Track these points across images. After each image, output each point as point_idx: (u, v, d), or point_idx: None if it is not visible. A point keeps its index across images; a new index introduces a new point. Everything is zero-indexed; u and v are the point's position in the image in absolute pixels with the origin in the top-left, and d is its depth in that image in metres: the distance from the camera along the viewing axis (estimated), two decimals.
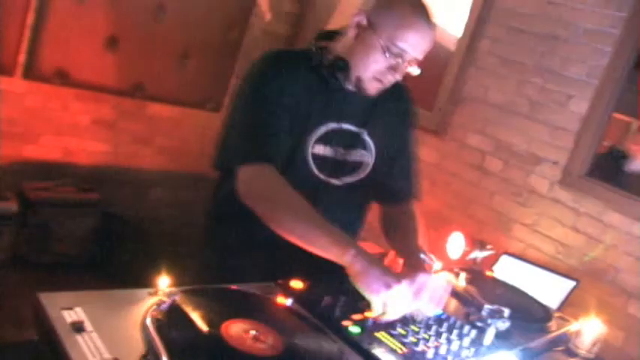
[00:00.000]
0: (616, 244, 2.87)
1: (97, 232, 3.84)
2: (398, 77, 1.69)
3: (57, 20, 3.57)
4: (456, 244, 2.54)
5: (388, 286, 1.40)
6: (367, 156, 1.83)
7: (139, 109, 4.17)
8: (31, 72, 3.61)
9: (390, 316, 1.43)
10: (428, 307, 1.47)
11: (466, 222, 3.38)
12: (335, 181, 1.79)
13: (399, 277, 1.43)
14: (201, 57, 4.19)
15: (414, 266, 1.59)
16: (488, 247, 2.45)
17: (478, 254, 2.34)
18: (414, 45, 1.64)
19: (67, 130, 3.90)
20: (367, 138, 1.81)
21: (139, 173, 4.26)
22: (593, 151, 3.02)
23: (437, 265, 1.87)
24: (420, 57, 1.68)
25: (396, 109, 1.88)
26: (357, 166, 1.82)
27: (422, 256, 1.66)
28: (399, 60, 1.64)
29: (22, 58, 3.56)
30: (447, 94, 3.55)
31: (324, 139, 1.73)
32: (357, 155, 1.81)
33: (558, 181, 3.09)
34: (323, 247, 1.49)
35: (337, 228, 1.52)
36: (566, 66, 3.12)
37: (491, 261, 2.96)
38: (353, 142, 1.79)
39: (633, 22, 2.89)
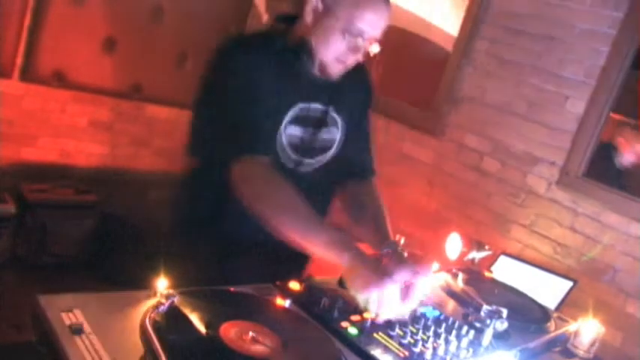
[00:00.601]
0: (614, 244, 2.88)
1: (95, 234, 3.84)
2: (359, 57, 1.71)
3: (54, 22, 3.57)
4: (453, 244, 2.54)
5: (372, 285, 1.40)
6: (336, 133, 1.85)
7: (137, 111, 4.17)
8: (28, 74, 3.61)
9: (384, 315, 1.43)
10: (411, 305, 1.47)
11: (464, 222, 3.38)
12: (309, 160, 1.81)
13: (384, 277, 1.42)
14: (199, 58, 4.18)
15: (396, 262, 1.54)
16: (487, 247, 2.45)
17: (476, 255, 2.34)
18: (371, 23, 1.64)
19: (65, 131, 3.90)
20: (335, 115, 1.83)
21: (137, 175, 4.27)
22: (591, 151, 3.02)
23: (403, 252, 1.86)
24: (379, 35, 1.68)
25: (358, 87, 1.91)
26: (327, 144, 1.84)
27: (395, 245, 1.64)
28: (359, 40, 1.65)
29: (19, 60, 3.56)
30: (445, 95, 3.55)
31: (295, 120, 1.73)
32: (326, 133, 1.82)
33: (556, 182, 3.09)
34: (322, 247, 1.49)
35: (336, 229, 1.52)
36: (563, 66, 3.13)
37: (490, 261, 2.96)
38: (322, 120, 1.80)
39: (630, 22, 2.90)
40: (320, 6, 1.66)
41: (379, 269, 1.45)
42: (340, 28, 1.63)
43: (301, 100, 1.74)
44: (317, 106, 1.78)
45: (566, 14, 3.14)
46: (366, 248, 1.65)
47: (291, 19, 1.77)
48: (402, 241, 1.67)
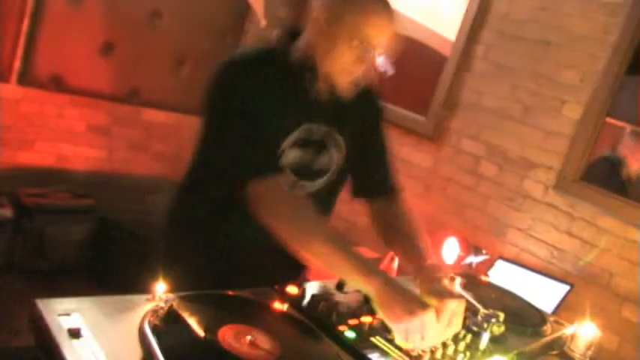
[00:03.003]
0: (610, 249, 2.89)
1: (93, 239, 3.83)
2: (368, 68, 1.66)
3: (52, 26, 3.57)
4: (451, 249, 2.55)
5: (412, 313, 1.36)
6: (336, 156, 1.81)
7: (135, 115, 4.17)
8: (26, 78, 3.61)
9: (415, 345, 1.39)
10: (442, 332, 1.43)
11: (461, 227, 3.39)
12: (308, 183, 1.78)
13: (424, 304, 1.39)
14: (196, 63, 4.20)
15: (435, 289, 1.49)
16: (484, 252, 2.46)
17: (473, 259, 2.35)
18: (377, 29, 1.60)
19: (63, 136, 3.89)
20: (338, 135, 1.79)
21: (135, 179, 4.26)
22: (587, 155, 3.03)
23: (457, 280, 1.85)
24: (385, 44, 1.64)
25: (365, 105, 1.85)
26: (327, 166, 1.81)
27: (434, 269, 1.59)
28: (365, 48, 1.60)
29: (17, 64, 3.56)
30: (442, 100, 3.56)
31: (298, 142, 1.70)
32: (328, 155, 1.79)
33: (552, 186, 3.10)
34: (348, 272, 1.47)
35: (360, 253, 1.50)
36: (559, 71, 3.14)
37: (487, 266, 2.97)
38: (323, 142, 1.77)
39: (626, 27, 2.91)
40: (323, 17, 1.62)
41: (413, 296, 1.42)
42: (346, 36, 1.58)
43: (306, 121, 1.70)
44: (321, 127, 1.74)
45: (563, 19, 3.15)
46: (364, 253, 1.65)
47: (294, 32, 1.74)
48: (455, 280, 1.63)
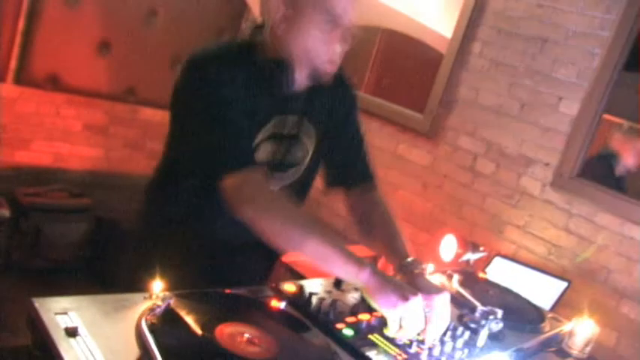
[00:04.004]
0: (608, 245, 2.89)
1: (90, 237, 3.83)
2: (344, 46, 1.62)
3: (48, 25, 3.56)
4: (448, 246, 2.55)
5: (405, 298, 1.37)
6: (309, 145, 1.78)
7: (132, 114, 4.17)
8: (22, 77, 3.60)
9: (408, 332, 1.40)
10: (437, 326, 1.45)
11: (458, 224, 3.39)
12: (280, 175, 1.76)
13: (414, 290, 1.42)
14: None
15: (420, 285, 1.53)
16: (481, 249, 2.46)
17: (471, 256, 2.35)
18: (348, 4, 1.58)
19: (59, 135, 3.89)
20: (309, 124, 1.76)
21: (132, 178, 4.26)
22: (585, 152, 3.03)
23: (429, 267, 1.87)
24: (349, 11, 1.59)
25: (338, 93, 1.83)
26: (301, 159, 1.78)
27: (416, 264, 1.62)
28: (330, 19, 1.56)
29: (13, 63, 3.56)
30: (439, 97, 3.56)
31: (270, 136, 1.68)
32: (300, 146, 1.76)
33: (550, 183, 3.10)
34: (336, 265, 1.47)
35: (348, 246, 1.49)
36: (556, 68, 3.14)
37: (484, 263, 2.97)
38: (295, 134, 1.74)
39: (622, 23, 2.91)
40: (290, 12, 1.58)
41: (402, 285, 1.44)
42: (309, 11, 1.56)
43: (277, 113, 1.67)
44: (292, 117, 1.71)
45: (559, 16, 3.15)
46: (359, 250, 1.65)
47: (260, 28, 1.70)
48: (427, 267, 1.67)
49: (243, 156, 1.57)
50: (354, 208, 1.91)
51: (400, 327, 1.40)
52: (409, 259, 1.62)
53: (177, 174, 1.75)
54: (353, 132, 1.91)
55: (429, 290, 1.49)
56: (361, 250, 1.77)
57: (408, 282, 1.54)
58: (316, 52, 1.61)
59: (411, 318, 1.39)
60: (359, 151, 1.92)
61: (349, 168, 1.91)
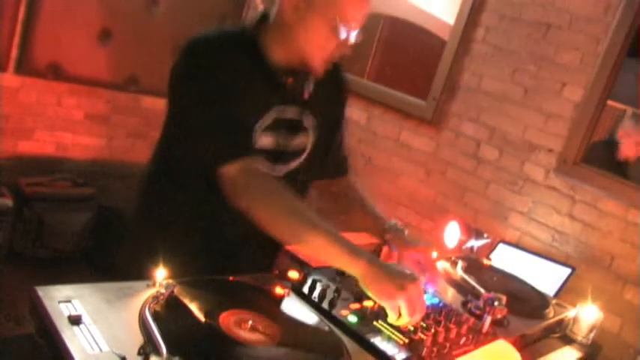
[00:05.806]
0: (612, 231, 2.88)
1: (93, 227, 3.83)
2: (340, 44, 1.61)
3: (49, 14, 3.55)
4: (452, 233, 2.55)
5: (402, 288, 1.36)
6: (309, 136, 1.78)
7: (133, 103, 4.16)
8: (23, 67, 3.59)
9: (408, 320, 1.39)
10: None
11: (462, 211, 3.38)
12: (281, 166, 1.74)
13: (412, 277, 1.41)
14: None
15: (406, 241, 1.72)
16: (485, 235, 2.46)
17: (475, 243, 2.34)
18: (353, 5, 1.57)
19: (62, 124, 3.89)
20: (309, 116, 1.76)
21: (134, 167, 4.25)
22: (588, 138, 3.02)
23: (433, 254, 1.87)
24: (360, 19, 1.60)
25: (333, 83, 1.83)
26: (301, 147, 1.78)
27: (396, 226, 1.76)
28: (340, 23, 1.56)
29: (14, 52, 3.54)
30: (442, 84, 3.55)
31: (270, 126, 1.66)
32: (301, 135, 1.76)
33: (553, 169, 3.09)
34: (331, 256, 1.46)
35: (343, 235, 1.47)
36: (560, 53, 3.12)
37: (488, 249, 2.97)
38: (296, 124, 1.74)
39: (627, 9, 2.89)
40: (303, 4, 1.57)
41: (399, 271, 1.43)
42: (322, 11, 1.55)
43: (277, 103, 1.66)
44: (293, 108, 1.71)
45: (563, 1, 3.13)
46: (363, 238, 1.66)
47: (266, 16, 1.69)
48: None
49: (241, 145, 1.55)
50: (329, 189, 1.98)
51: (400, 315, 1.39)
52: (392, 222, 1.76)
53: (176, 161, 1.72)
54: (343, 123, 1.94)
55: (416, 245, 1.67)
56: (365, 238, 1.77)
57: (398, 237, 1.71)
58: (315, 47, 1.61)
59: (409, 307, 1.37)
60: (343, 141, 1.95)
61: (337, 159, 1.94)
